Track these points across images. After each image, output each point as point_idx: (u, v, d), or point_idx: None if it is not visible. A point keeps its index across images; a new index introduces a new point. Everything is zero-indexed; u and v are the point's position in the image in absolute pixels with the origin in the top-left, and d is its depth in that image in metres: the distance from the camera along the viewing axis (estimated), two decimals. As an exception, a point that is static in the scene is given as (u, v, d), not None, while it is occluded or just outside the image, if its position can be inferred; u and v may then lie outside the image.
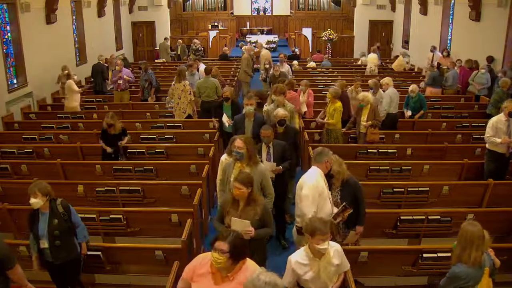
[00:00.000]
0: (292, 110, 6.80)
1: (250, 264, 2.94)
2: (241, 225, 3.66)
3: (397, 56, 15.44)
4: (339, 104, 7.37)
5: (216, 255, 2.78)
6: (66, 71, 10.93)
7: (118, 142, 6.76)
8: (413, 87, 8.66)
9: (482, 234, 3.28)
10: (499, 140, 6.24)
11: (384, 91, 8.35)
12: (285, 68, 10.87)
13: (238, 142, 4.47)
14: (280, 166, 5.24)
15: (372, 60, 13.78)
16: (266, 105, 7.34)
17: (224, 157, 4.97)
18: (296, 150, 6.01)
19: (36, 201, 3.87)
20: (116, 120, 6.73)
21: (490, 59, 10.83)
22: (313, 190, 4.14)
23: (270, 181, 4.65)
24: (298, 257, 3.39)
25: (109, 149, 6.73)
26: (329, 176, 4.45)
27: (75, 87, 9.89)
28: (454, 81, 11.04)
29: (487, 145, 6.46)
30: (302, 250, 3.43)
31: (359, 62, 15.61)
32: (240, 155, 4.44)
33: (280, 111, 5.91)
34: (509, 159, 6.48)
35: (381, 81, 8.57)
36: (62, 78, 10.99)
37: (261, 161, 5.21)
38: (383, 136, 7.72)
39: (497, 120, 6.31)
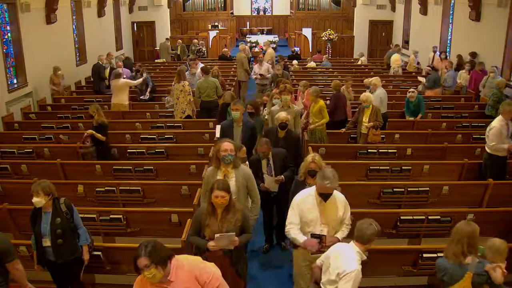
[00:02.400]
0: (297, 112, 6.60)
1: (181, 259, 2.89)
2: (227, 239, 3.54)
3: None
4: (322, 102, 7.35)
5: (146, 273, 2.69)
6: (60, 72, 10.89)
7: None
8: (412, 91, 8.59)
9: (471, 233, 3.23)
10: (505, 146, 6.14)
11: (372, 92, 8.23)
12: (264, 67, 10.87)
13: (228, 145, 4.26)
14: (282, 176, 5.08)
15: (395, 60, 13.45)
16: (265, 110, 7.24)
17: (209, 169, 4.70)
18: (297, 159, 5.60)
19: (38, 200, 3.90)
20: (96, 113, 6.88)
21: (474, 55, 11.03)
22: (294, 206, 3.87)
23: (256, 184, 4.51)
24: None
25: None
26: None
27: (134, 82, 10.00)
28: (454, 82, 11.01)
29: (488, 150, 6.32)
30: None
31: (359, 62, 15.61)
32: (232, 157, 4.25)
33: (282, 114, 5.76)
34: (507, 160, 6.43)
35: (368, 81, 8.48)
36: (54, 79, 10.93)
37: (263, 175, 5.11)
38: (383, 136, 7.73)
39: (500, 126, 6.14)
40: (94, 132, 6.83)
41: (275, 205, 5.42)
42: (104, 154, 7.01)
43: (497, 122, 6.22)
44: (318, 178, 3.67)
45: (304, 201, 3.80)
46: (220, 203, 3.60)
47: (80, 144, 7.01)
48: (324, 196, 3.70)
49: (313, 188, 3.82)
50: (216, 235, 3.53)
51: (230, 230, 3.60)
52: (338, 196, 3.84)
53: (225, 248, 3.60)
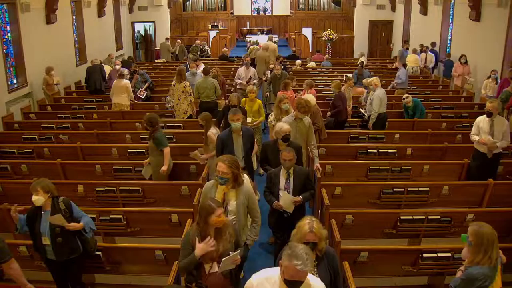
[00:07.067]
0: (310, 124, 5.92)
1: None
2: (231, 259, 3.24)
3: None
4: (259, 101, 7.56)
5: None
6: (53, 72, 10.84)
7: None
8: (406, 96, 8.57)
9: (495, 233, 3.23)
10: (477, 138, 6.26)
11: (370, 91, 8.19)
12: (251, 72, 10.23)
13: (222, 166, 3.88)
14: (300, 197, 4.51)
15: (412, 61, 13.35)
16: (271, 115, 6.73)
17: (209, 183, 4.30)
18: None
19: (37, 198, 3.90)
20: None
21: (433, 44, 11.81)
22: None
23: (257, 202, 4.19)
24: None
25: None
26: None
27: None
28: (406, 79, 10.72)
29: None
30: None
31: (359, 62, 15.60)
32: (224, 180, 3.91)
33: (285, 126, 5.23)
34: (494, 161, 6.34)
35: (368, 81, 8.46)
36: (48, 80, 10.84)
37: (279, 189, 4.59)
38: (383, 136, 7.71)
39: (481, 119, 6.27)
40: None
41: (291, 229, 4.71)
42: None
43: (481, 116, 6.34)
44: (285, 256, 2.59)
45: (263, 284, 2.77)
46: (219, 221, 3.27)
47: None
48: (292, 284, 2.60)
49: (274, 270, 2.83)
50: (224, 259, 3.22)
51: (229, 249, 3.31)
52: (315, 284, 2.75)
53: (225, 271, 3.31)
